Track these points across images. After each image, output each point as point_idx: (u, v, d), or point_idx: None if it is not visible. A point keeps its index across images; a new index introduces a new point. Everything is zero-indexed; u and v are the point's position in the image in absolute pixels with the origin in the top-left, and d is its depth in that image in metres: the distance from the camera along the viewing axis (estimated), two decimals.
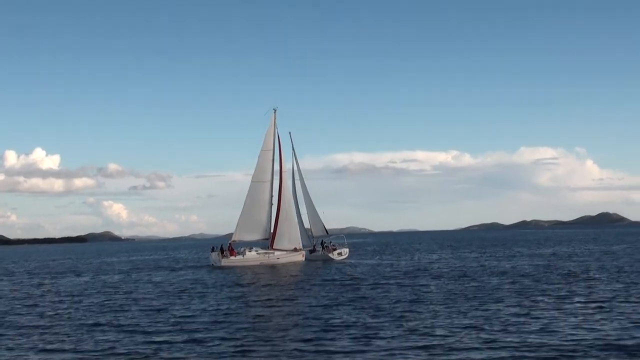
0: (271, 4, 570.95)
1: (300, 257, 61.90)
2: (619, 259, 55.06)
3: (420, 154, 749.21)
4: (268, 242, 61.58)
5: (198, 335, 21.52)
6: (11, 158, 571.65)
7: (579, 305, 26.26)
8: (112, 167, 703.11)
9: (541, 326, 21.48)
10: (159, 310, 28.63)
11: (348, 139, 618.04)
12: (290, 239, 61.41)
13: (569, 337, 19.51)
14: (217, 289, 38.18)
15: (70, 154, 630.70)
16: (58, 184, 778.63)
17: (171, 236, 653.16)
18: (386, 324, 22.74)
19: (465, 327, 21.68)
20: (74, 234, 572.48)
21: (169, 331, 22.62)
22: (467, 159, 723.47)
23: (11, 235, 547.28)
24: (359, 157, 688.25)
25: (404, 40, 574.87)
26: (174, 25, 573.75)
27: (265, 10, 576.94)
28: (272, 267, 56.26)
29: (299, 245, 62.28)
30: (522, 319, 22.97)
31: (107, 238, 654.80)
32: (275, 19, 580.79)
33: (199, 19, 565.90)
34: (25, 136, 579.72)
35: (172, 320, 25.30)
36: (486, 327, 21.63)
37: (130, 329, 23.52)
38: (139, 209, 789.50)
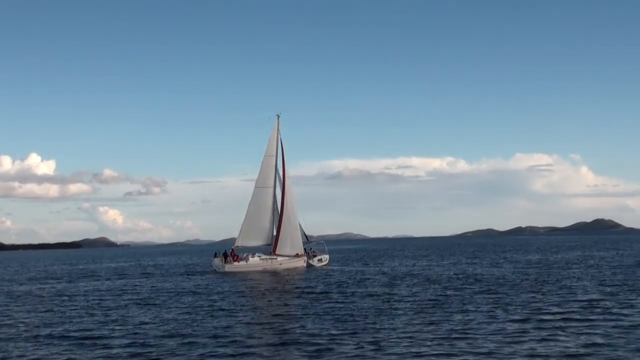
0: (269, 11, 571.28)
1: (302, 262, 62.17)
2: (604, 267, 54.30)
3: (415, 160, 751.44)
4: (270, 247, 61.61)
5: (147, 349, 20.65)
6: (6, 163, 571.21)
7: (550, 316, 25.36)
8: (108, 172, 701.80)
9: (507, 339, 20.62)
10: (121, 320, 27.68)
11: (343, 145, 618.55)
12: (292, 244, 61.71)
13: (532, 352, 18.72)
14: (190, 297, 37.28)
15: (66, 160, 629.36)
16: (53, 190, 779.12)
17: (166, 242, 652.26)
18: (346, 337, 21.85)
19: (426, 340, 20.80)
20: (69, 240, 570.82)
21: (120, 343, 21.72)
22: (462, 165, 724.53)
23: (6, 240, 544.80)
24: (354, 163, 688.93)
25: (399, 47, 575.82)
26: (170, 31, 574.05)
27: (263, 16, 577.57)
28: (259, 274, 55.77)
29: (301, 251, 62.53)
30: (489, 331, 22.13)
31: (102, 244, 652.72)
32: (272, 25, 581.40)
33: (196, 25, 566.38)
34: (20, 141, 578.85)
35: (130, 331, 24.38)
36: (452, 340, 20.70)
37: (81, 341, 22.53)
38: (134, 215, 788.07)
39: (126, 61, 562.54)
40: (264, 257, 60.67)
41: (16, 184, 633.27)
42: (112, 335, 23.53)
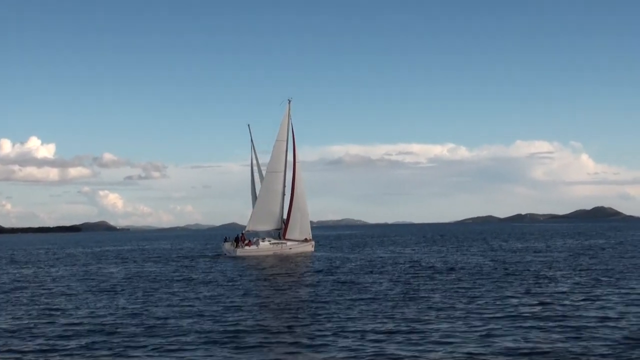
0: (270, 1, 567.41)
1: (310, 247, 62.78)
2: (585, 256, 52.93)
3: (416, 147, 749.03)
4: (280, 232, 61.79)
5: (69, 342, 19.45)
6: (6, 147, 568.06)
7: (511, 308, 24.06)
8: (108, 156, 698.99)
9: (451, 339, 19.32)
10: (65, 309, 26.52)
11: (344, 130, 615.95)
12: (301, 229, 62.10)
13: (474, 349, 17.45)
14: (149, 283, 36.09)
15: (66, 143, 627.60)
16: (53, 173, 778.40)
17: (167, 226, 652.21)
18: (284, 330, 20.65)
19: (370, 334, 19.52)
20: (69, 224, 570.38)
21: (50, 335, 20.55)
22: (462, 152, 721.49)
23: (6, 224, 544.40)
24: (355, 149, 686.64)
25: (400, 34, 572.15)
26: (171, 16, 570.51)
27: (264, 4, 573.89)
28: (267, 258, 55.49)
29: (309, 236, 63.05)
30: (440, 327, 20.79)
31: (102, 228, 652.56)
32: (271, 14, 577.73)
33: (196, 10, 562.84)
34: (20, 125, 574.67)
35: (68, 321, 23.20)
36: (397, 335, 19.41)
37: (10, 333, 21.45)
38: (134, 199, 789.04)
39: (127, 46, 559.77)
40: (273, 241, 60.92)
41: (16, 167, 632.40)
42: (48, 325, 22.33)
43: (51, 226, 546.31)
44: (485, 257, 53.98)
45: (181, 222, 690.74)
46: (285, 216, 61.58)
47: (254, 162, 64.05)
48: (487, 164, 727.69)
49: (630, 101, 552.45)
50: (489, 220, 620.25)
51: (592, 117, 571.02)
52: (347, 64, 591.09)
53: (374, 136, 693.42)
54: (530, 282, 33.13)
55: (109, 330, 21.11)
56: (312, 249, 63.09)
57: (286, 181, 62.02)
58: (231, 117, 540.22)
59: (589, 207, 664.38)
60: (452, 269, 42.30)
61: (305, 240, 62.41)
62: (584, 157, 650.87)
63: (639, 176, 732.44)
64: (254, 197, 63.41)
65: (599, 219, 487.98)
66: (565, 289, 29.76)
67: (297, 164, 61.88)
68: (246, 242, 60.18)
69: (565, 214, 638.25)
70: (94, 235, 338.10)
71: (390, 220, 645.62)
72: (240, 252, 58.82)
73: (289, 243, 60.92)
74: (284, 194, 61.94)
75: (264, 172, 62.83)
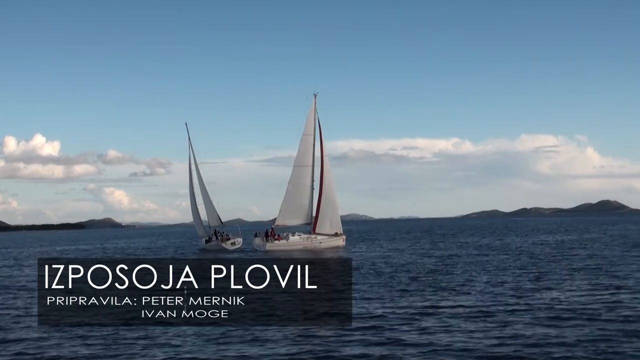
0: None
1: (340, 241, 62.77)
2: (539, 254, 51.64)
3: (420, 141, 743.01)
4: (309, 226, 62.22)
5: None
6: (11, 144, 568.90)
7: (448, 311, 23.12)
8: (112, 153, 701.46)
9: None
10: None
11: (348, 126, 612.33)
12: (331, 223, 62.21)
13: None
14: None
15: (71, 140, 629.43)
16: (58, 171, 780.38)
17: (172, 222, 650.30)
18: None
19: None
20: (75, 221, 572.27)
21: None
22: (467, 147, 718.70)
23: (12, 221, 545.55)
24: (359, 145, 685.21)
25: (404, 27, 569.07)
26: (175, 11, 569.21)
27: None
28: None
29: (340, 230, 63.05)
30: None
31: (107, 225, 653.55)
32: (274, 8, 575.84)
33: (200, 4, 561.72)
34: (25, 122, 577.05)
35: None
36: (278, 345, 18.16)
37: None
38: (139, 196, 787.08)
39: (133, 43, 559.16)
40: (304, 235, 61.08)
41: (21, 165, 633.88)
42: None
43: (55, 223, 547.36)
44: (430, 257, 52.62)
45: (187, 219, 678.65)
46: (314, 210, 61.86)
47: (192, 160, 64.60)
48: (492, 158, 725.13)
49: (635, 94, 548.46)
50: (494, 214, 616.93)
51: (597, 110, 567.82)
52: (351, 59, 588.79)
53: (378, 131, 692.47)
54: (482, 284, 31.59)
55: None
56: (343, 243, 62.92)
57: (314, 175, 62.63)
58: (234, 112, 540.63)
59: (594, 200, 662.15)
60: (407, 270, 40.86)
61: (336, 234, 62.08)
62: (589, 150, 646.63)
63: None
64: (192, 196, 63.69)
65: (605, 213, 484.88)
66: (488, 300, 27.26)
67: (325, 158, 62.47)
68: (276, 236, 60.13)
69: (571, 208, 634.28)
70: (95, 232, 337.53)
71: (395, 215, 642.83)
72: (270, 246, 58.57)
73: (319, 237, 61.07)
74: (312, 188, 62.25)
75: (201, 171, 64.27)
